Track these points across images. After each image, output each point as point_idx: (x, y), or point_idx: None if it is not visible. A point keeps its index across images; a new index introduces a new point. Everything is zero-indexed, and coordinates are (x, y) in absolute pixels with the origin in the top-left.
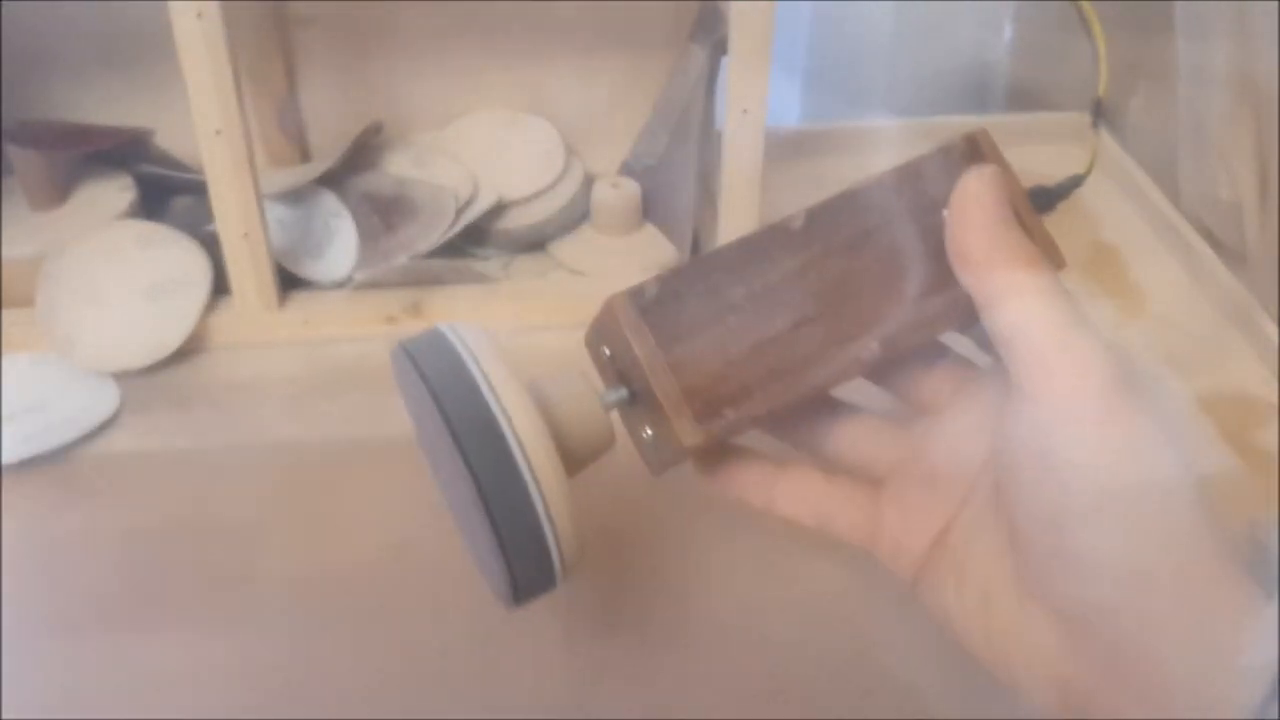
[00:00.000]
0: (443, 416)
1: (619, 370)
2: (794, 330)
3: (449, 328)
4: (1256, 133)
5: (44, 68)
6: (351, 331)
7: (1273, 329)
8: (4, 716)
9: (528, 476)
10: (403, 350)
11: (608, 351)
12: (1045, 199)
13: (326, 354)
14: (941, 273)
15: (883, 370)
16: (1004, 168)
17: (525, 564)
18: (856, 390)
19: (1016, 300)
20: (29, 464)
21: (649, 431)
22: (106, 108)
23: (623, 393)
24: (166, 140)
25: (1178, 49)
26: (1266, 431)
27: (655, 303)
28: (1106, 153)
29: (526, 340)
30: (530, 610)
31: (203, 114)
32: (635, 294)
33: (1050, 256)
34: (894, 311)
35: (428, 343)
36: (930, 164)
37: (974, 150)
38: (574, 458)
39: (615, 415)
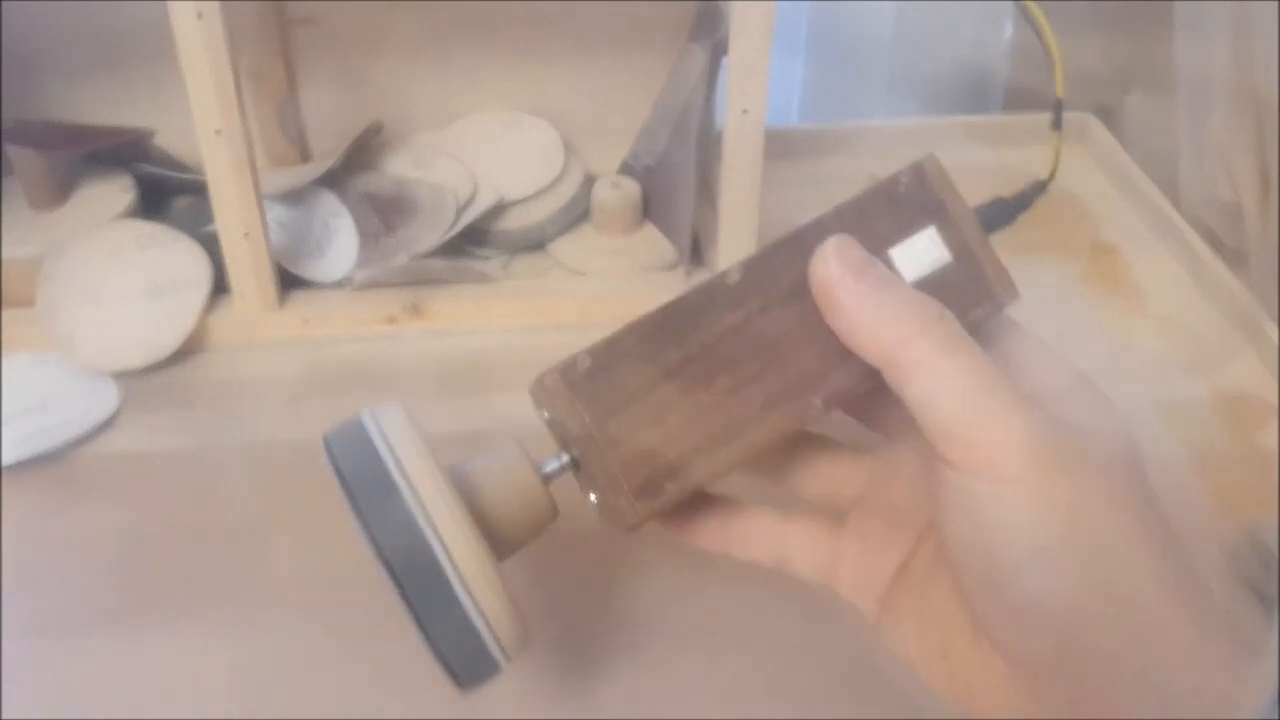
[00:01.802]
0: (360, 520)
1: (560, 435)
2: (734, 392)
3: (369, 417)
4: (1257, 132)
5: (44, 68)
6: (351, 331)
7: (1273, 329)
8: (4, 717)
9: (452, 577)
10: (324, 444)
11: (547, 415)
12: (1004, 211)
13: (326, 354)
14: None
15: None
16: (953, 196)
17: (461, 660)
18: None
19: (912, 374)
20: (29, 464)
21: (594, 498)
22: (106, 108)
23: (564, 460)
24: (166, 140)
25: (1177, 48)
26: (1266, 431)
27: (588, 376)
28: (1107, 152)
29: (526, 340)
30: (529, 610)
31: (203, 114)
32: (567, 368)
33: (1000, 285)
34: (838, 363)
35: (346, 437)
36: (875, 199)
37: (921, 180)
38: (509, 538)
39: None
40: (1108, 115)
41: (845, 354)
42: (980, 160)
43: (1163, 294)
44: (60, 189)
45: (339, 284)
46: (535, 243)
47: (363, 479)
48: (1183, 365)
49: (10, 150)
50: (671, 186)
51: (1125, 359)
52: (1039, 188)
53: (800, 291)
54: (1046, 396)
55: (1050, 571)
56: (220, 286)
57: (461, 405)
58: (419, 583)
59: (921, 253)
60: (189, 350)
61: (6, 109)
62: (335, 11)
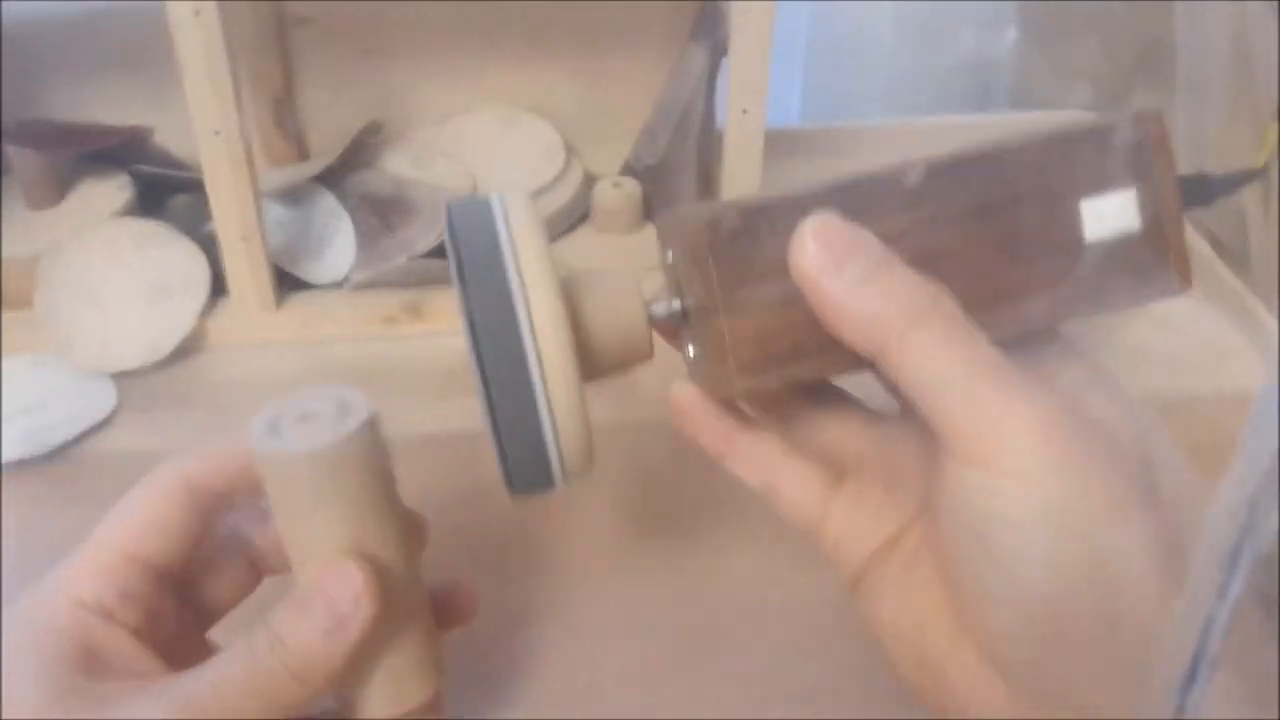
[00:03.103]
0: (461, 286)
1: (678, 281)
2: None
3: (499, 198)
4: (1257, 132)
5: (43, 67)
6: (350, 332)
7: (1273, 329)
8: (4, 716)
9: (533, 364)
10: (448, 210)
11: (671, 257)
12: (1207, 190)
13: (325, 354)
14: (1050, 271)
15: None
16: (1165, 162)
17: (520, 455)
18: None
19: (909, 368)
20: (28, 463)
21: (692, 351)
22: (105, 107)
23: (674, 306)
24: (165, 139)
25: (1178, 48)
26: None
27: (731, 238)
28: None
29: None
30: (528, 610)
31: (201, 114)
32: (713, 223)
33: (1176, 271)
34: (986, 303)
35: (472, 209)
36: (1085, 143)
37: (1141, 135)
38: (600, 359)
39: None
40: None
41: (998, 298)
42: None
43: None
44: (58, 188)
45: (338, 285)
46: None
47: (474, 252)
48: (1183, 365)
49: (9, 149)
50: (672, 186)
51: (1125, 359)
52: (1253, 174)
53: (977, 217)
54: (1060, 392)
55: (1045, 571)
56: (219, 287)
57: (461, 406)
58: (500, 367)
59: (1112, 214)
60: (187, 350)
61: (5, 108)
62: (333, 11)
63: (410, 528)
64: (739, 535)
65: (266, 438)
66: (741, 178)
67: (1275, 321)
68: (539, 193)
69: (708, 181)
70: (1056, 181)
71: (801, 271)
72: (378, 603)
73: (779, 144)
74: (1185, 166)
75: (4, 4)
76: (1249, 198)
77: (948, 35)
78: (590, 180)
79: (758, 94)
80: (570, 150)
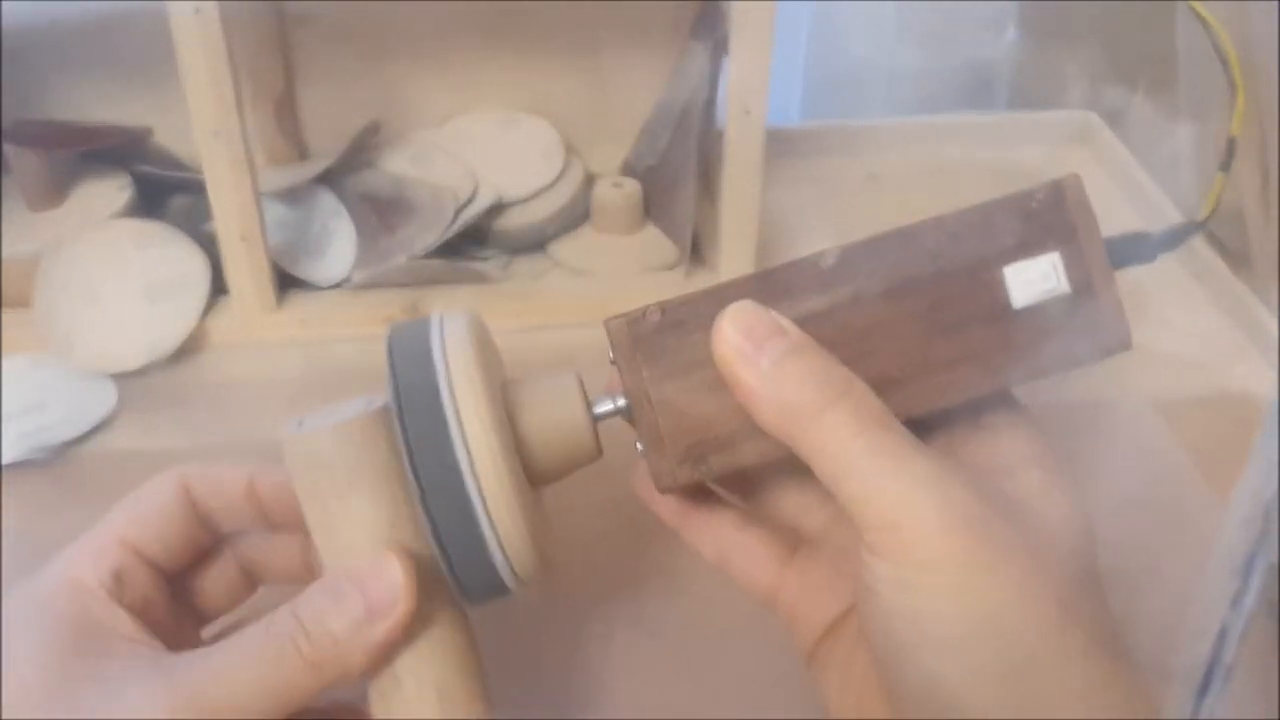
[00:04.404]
0: (397, 411)
1: (621, 379)
2: None
3: (438, 316)
4: (1258, 134)
5: (43, 67)
6: (350, 332)
7: (1274, 329)
8: (4, 716)
9: (471, 485)
10: (389, 332)
11: (612, 356)
12: (1144, 248)
13: (325, 354)
14: (982, 339)
15: None
16: (1088, 223)
17: (470, 573)
18: None
19: (818, 455)
20: (28, 463)
21: (640, 446)
22: (105, 106)
23: (619, 404)
24: (165, 139)
25: (1179, 48)
26: None
27: (655, 332)
28: (1109, 152)
29: (526, 340)
30: (529, 611)
31: (201, 115)
32: (635, 320)
33: (1112, 331)
34: (917, 375)
35: (410, 329)
36: (1002, 211)
37: (1058, 199)
38: (545, 468)
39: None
40: (1112, 115)
41: (927, 367)
42: (982, 159)
43: (1163, 294)
44: (58, 188)
45: (337, 284)
46: (535, 243)
47: (408, 374)
48: (1183, 365)
49: (8, 149)
50: (673, 186)
51: (1126, 359)
52: (1191, 228)
53: (897, 292)
54: (994, 470)
55: (953, 663)
56: (219, 286)
57: None
58: (441, 495)
59: (1038, 278)
60: (187, 350)
61: (5, 108)
62: (334, 11)
63: None
64: None
65: (295, 429)
66: (741, 178)
67: (1275, 321)
68: (539, 193)
69: (708, 181)
70: (976, 250)
71: (721, 357)
72: (414, 603)
73: (779, 144)
74: (1189, 167)
75: (4, 4)
76: (1249, 198)
77: (948, 35)
78: (590, 180)
79: (758, 94)
80: (570, 150)
